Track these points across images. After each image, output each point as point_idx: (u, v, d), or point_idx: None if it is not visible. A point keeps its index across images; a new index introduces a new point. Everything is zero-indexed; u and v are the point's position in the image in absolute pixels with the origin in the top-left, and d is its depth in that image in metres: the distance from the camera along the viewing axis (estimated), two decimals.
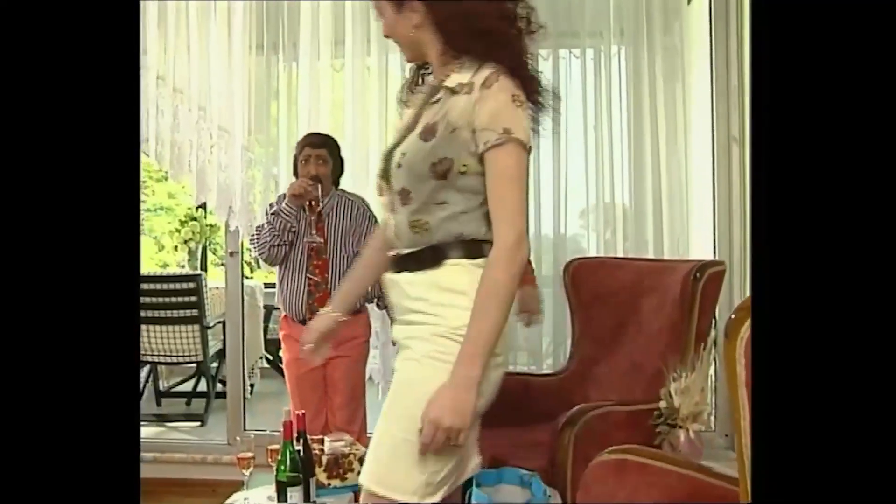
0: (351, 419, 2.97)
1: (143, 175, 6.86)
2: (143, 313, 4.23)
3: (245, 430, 3.62)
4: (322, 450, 2.40)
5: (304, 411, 2.39)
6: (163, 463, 3.53)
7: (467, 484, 1.77)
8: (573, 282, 3.05)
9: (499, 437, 2.62)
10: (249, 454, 2.40)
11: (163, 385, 4.86)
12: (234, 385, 3.71)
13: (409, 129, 1.54)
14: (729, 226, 3.36)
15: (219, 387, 4.54)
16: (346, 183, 3.14)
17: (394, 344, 1.59)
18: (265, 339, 4.92)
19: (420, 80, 1.66)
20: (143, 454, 3.41)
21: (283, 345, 3.09)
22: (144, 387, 4.69)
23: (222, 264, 4.26)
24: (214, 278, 4.88)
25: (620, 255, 3.43)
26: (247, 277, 4.75)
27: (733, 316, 1.51)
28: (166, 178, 5.82)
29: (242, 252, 3.74)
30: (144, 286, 4.24)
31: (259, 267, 5.95)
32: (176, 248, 5.42)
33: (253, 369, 4.65)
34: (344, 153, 3.12)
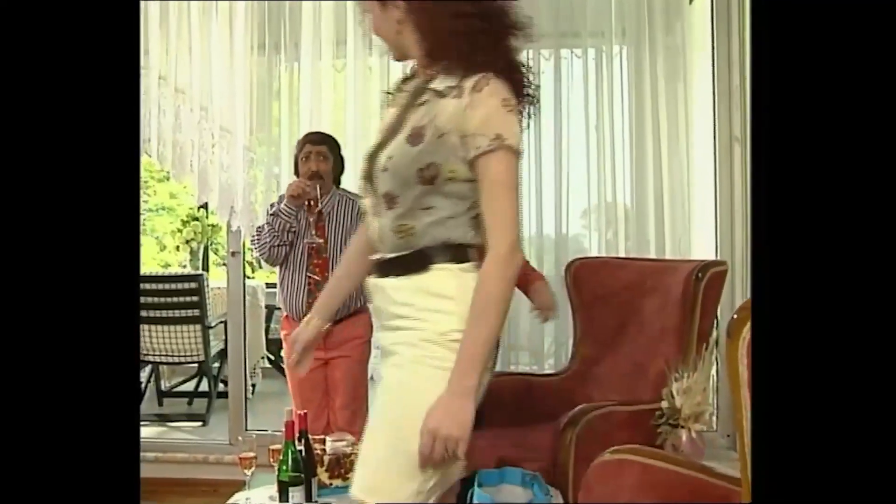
0: (352, 419, 2.97)
1: (144, 175, 6.87)
2: (144, 313, 4.23)
3: (247, 429, 3.62)
4: (324, 450, 2.40)
5: (305, 411, 2.39)
6: (164, 463, 3.53)
7: (465, 484, 1.77)
8: (575, 282, 3.05)
9: (501, 438, 2.62)
10: (251, 454, 2.40)
11: (164, 385, 4.86)
12: (236, 385, 3.71)
13: (394, 130, 1.50)
14: (731, 226, 3.36)
15: (220, 387, 4.54)
16: (346, 182, 3.14)
17: (379, 350, 1.56)
18: (267, 339, 4.92)
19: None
20: (145, 454, 3.42)
21: (284, 345, 3.10)
22: (146, 387, 4.69)
23: (224, 264, 4.26)
24: (216, 278, 4.88)
25: (622, 255, 3.43)
26: (248, 277, 4.75)
27: (735, 316, 1.51)
28: (168, 179, 5.83)
29: (244, 252, 3.74)
30: (146, 286, 4.24)
31: (261, 267, 5.95)
32: (178, 248, 5.43)
33: (255, 369, 4.65)
34: (345, 153, 3.12)
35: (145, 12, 3.42)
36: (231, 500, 2.34)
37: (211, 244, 5.64)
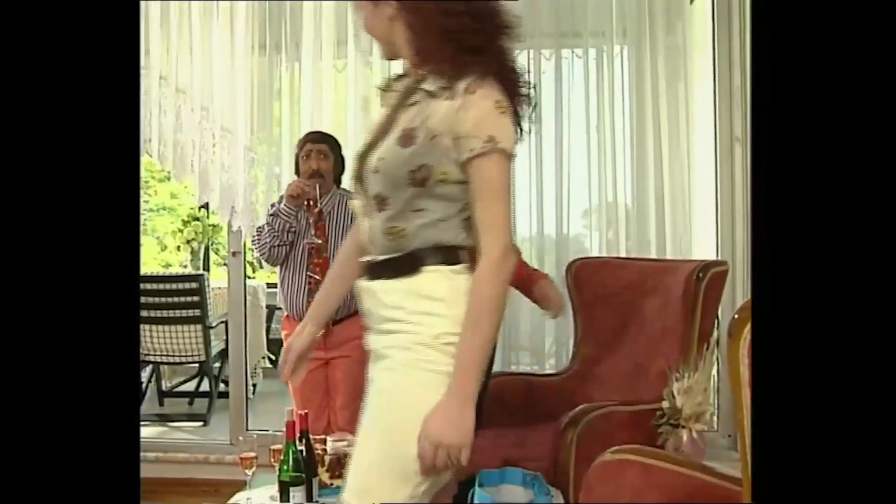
0: (353, 419, 2.92)
1: (145, 175, 6.87)
2: (145, 313, 4.23)
3: (248, 429, 3.62)
4: (324, 450, 2.40)
5: (306, 411, 2.39)
6: (165, 463, 3.53)
7: (465, 485, 1.77)
8: (576, 282, 3.05)
9: (501, 438, 2.62)
10: (252, 454, 2.40)
11: (165, 385, 4.86)
12: (237, 385, 3.71)
13: (384, 131, 1.48)
14: (732, 226, 3.36)
15: (221, 387, 4.54)
16: (347, 182, 3.14)
17: (369, 354, 1.53)
18: (268, 339, 4.92)
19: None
20: (146, 454, 3.42)
21: (285, 344, 3.09)
22: (147, 387, 4.69)
23: (225, 264, 4.26)
24: (217, 278, 4.88)
25: (623, 255, 3.43)
26: (249, 277, 4.75)
27: (736, 316, 1.51)
28: (169, 179, 5.82)
29: (245, 252, 3.74)
30: (147, 286, 4.24)
31: (261, 267, 5.96)
32: (178, 248, 5.42)
33: (255, 369, 4.65)
34: (346, 153, 3.12)
35: (146, 12, 3.42)
36: (232, 500, 2.34)
37: (212, 244, 5.64)
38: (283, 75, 3.61)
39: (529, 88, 1.50)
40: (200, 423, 4.37)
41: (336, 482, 2.36)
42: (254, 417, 3.78)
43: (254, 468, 2.39)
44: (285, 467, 2.18)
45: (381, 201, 1.45)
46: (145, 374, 4.65)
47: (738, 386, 1.47)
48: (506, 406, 2.87)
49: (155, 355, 4.41)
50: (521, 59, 3.53)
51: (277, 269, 3.08)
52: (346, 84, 3.54)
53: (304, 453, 2.22)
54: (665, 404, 2.44)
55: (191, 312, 4.32)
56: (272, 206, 3.09)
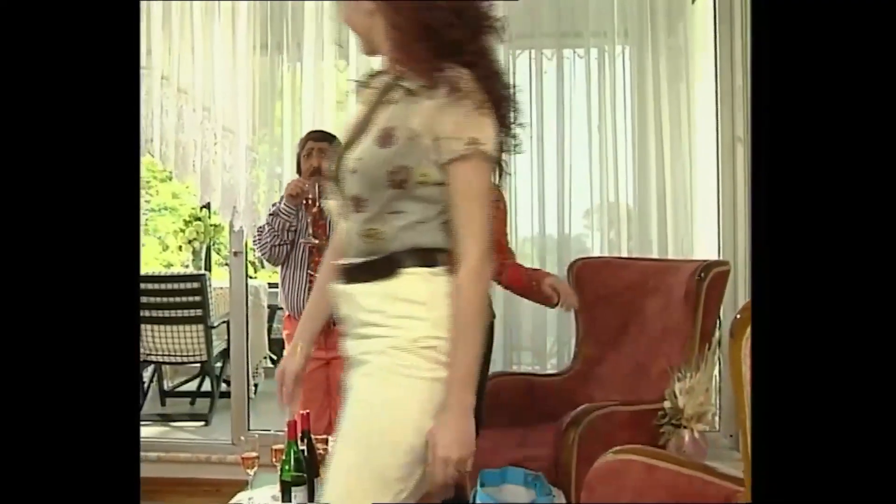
0: None
1: (147, 175, 6.88)
2: (147, 313, 4.24)
3: (249, 429, 3.62)
4: (326, 449, 2.39)
5: (308, 411, 2.39)
6: (167, 462, 3.53)
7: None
8: (577, 282, 3.05)
9: (503, 438, 2.62)
10: (254, 454, 2.40)
11: (167, 385, 4.86)
12: (239, 385, 3.71)
13: (361, 129, 1.44)
14: (733, 226, 3.36)
15: (223, 386, 4.54)
16: None
17: (347, 360, 1.49)
18: (269, 339, 4.92)
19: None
20: (148, 454, 3.42)
21: (286, 344, 3.10)
22: (149, 387, 4.69)
23: (226, 264, 4.26)
24: (218, 278, 4.88)
25: (625, 254, 3.43)
26: (251, 277, 4.75)
27: (738, 316, 1.51)
28: (170, 179, 5.82)
29: (246, 252, 3.74)
30: (149, 286, 4.25)
31: (263, 267, 5.96)
32: (180, 248, 5.42)
33: (257, 369, 4.65)
34: None
35: (148, 12, 3.43)
36: (233, 500, 2.34)
37: (213, 244, 5.64)
38: (285, 75, 3.62)
39: (514, 91, 1.46)
40: (202, 423, 4.37)
41: None
42: (255, 417, 3.78)
43: (255, 468, 2.39)
44: (287, 467, 2.18)
45: (359, 203, 1.42)
46: (147, 374, 4.65)
47: (740, 386, 1.47)
48: (507, 406, 2.87)
49: (157, 355, 4.41)
50: (523, 59, 3.55)
51: (279, 268, 3.08)
52: (348, 84, 3.53)
53: (306, 453, 2.22)
54: (667, 404, 2.44)
55: (192, 312, 4.32)
56: (273, 205, 3.09)
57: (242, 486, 2.43)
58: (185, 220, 5.49)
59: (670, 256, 3.40)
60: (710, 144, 3.44)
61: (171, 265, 6.59)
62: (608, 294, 2.98)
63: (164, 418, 4.47)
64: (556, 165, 3.49)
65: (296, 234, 2.97)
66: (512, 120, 1.45)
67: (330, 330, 2.86)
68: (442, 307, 1.37)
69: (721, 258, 3.22)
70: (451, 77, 1.34)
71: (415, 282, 1.40)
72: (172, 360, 4.48)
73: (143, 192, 6.98)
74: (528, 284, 2.66)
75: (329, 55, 3.52)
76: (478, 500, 1.99)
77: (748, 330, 1.43)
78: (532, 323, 3.51)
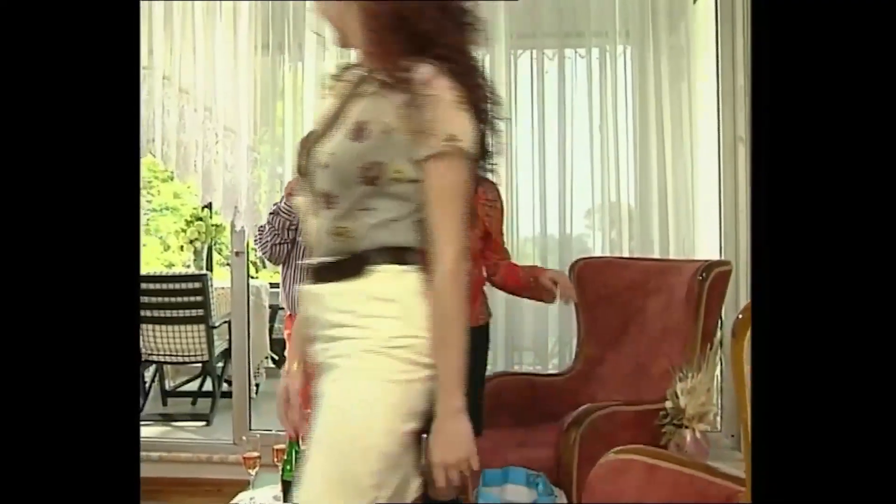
0: None
1: (148, 175, 6.88)
2: (148, 313, 4.24)
3: (251, 429, 3.62)
4: None
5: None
6: (168, 462, 3.53)
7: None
8: (579, 282, 3.04)
9: (505, 437, 2.62)
10: (255, 454, 2.41)
11: (168, 385, 4.86)
12: (240, 385, 3.71)
13: (332, 122, 1.39)
14: (735, 226, 3.36)
15: (224, 386, 4.54)
16: None
17: (316, 366, 1.44)
18: (270, 339, 4.93)
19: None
20: (149, 454, 3.42)
21: (287, 343, 3.10)
22: (150, 386, 4.69)
23: (228, 264, 4.26)
24: (220, 278, 4.88)
25: (626, 254, 3.43)
26: (252, 277, 4.75)
27: (740, 316, 1.51)
28: (172, 179, 5.82)
29: (248, 252, 3.74)
30: (150, 286, 4.25)
31: (264, 267, 5.95)
32: (181, 247, 5.42)
33: (258, 369, 4.65)
34: None
35: (149, 12, 3.43)
36: (235, 500, 2.34)
37: (215, 244, 5.64)
38: (286, 75, 3.62)
39: (493, 91, 1.41)
40: (204, 423, 4.37)
41: None
42: (257, 417, 3.78)
43: (257, 468, 2.39)
44: (288, 467, 2.18)
45: (329, 199, 1.37)
46: (148, 373, 4.66)
47: (742, 386, 1.47)
48: (509, 406, 2.87)
49: (158, 355, 4.41)
50: (524, 59, 3.55)
51: (280, 268, 3.08)
52: None
53: None
54: (668, 404, 2.44)
55: (194, 312, 4.33)
56: (274, 205, 3.09)
57: (244, 485, 2.43)
58: (186, 220, 5.49)
59: (672, 256, 3.39)
60: (712, 144, 3.43)
61: (173, 265, 6.59)
62: (610, 294, 2.98)
63: (166, 418, 4.48)
64: (557, 165, 3.49)
65: (296, 234, 2.97)
66: (491, 117, 1.40)
67: None
68: (415, 305, 1.34)
69: (723, 258, 3.22)
70: (428, 70, 1.31)
71: (385, 279, 1.36)
72: (174, 360, 4.48)
73: (144, 192, 6.99)
74: (525, 281, 2.63)
75: (330, 55, 3.52)
76: (480, 500, 1.99)
77: (750, 330, 1.43)
78: (533, 323, 3.51)
